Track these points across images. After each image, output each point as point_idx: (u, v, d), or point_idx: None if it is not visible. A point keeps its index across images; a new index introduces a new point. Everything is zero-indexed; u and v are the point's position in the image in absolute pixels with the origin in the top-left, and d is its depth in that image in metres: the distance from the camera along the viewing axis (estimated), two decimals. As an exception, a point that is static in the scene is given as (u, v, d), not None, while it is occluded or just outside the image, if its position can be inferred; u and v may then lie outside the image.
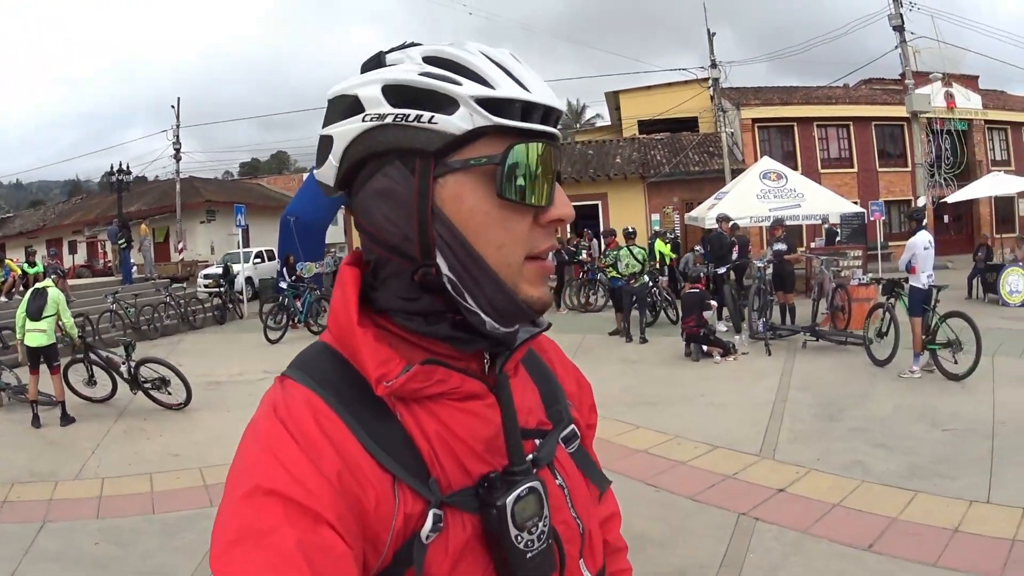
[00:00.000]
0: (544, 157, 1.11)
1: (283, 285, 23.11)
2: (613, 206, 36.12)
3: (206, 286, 29.98)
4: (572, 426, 1.37)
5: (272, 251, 34.67)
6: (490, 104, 1.07)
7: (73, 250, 49.27)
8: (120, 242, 29.43)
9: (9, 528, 7.94)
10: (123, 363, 13.00)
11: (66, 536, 7.68)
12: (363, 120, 1.10)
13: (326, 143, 1.16)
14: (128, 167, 33.09)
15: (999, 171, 31.28)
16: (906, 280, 12.45)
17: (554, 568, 1.17)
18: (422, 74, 1.08)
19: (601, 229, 25.71)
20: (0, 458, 10.45)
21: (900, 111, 31.91)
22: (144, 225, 34.84)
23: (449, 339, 1.17)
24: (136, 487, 9.09)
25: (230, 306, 27.38)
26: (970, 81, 36.24)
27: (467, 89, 1.06)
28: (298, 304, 22.17)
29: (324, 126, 1.17)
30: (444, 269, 1.11)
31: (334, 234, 38.18)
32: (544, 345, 1.48)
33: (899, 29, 26.32)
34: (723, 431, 9.91)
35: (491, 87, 1.08)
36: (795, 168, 29.93)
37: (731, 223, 19.06)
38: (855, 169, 36.55)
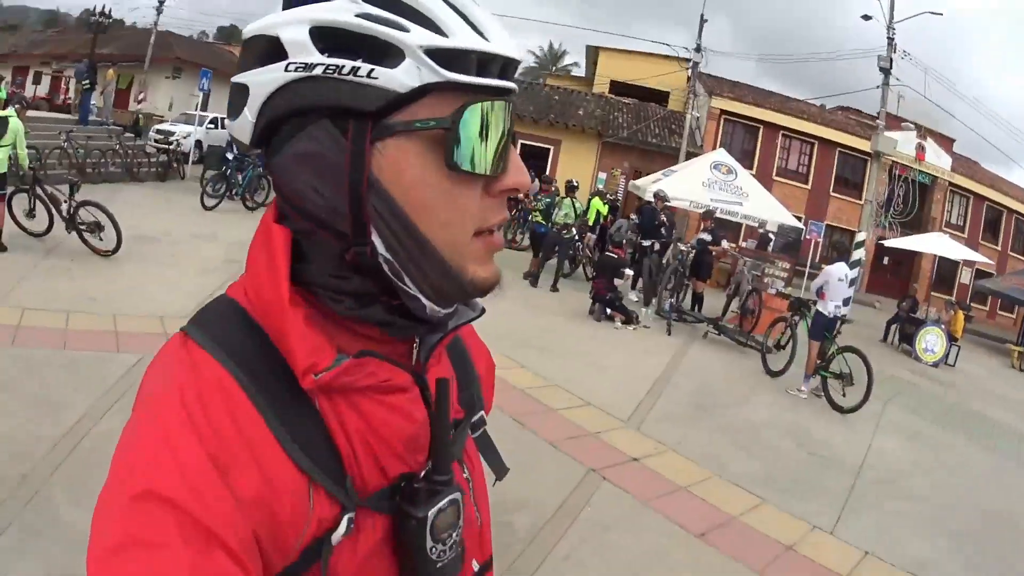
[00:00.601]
0: (500, 117, 0.96)
1: (229, 156, 22.95)
2: (565, 155, 35.97)
3: (156, 141, 29.86)
4: (481, 412, 1.30)
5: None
6: (442, 56, 0.91)
7: (37, 81, 48.23)
8: (84, 83, 29.00)
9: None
10: (65, 201, 12.97)
11: (-21, 357, 7.82)
12: (286, 69, 0.93)
13: (240, 92, 0.99)
14: (109, 12, 33.73)
15: (948, 233, 31.79)
16: (815, 303, 12.63)
17: (458, 574, 1.09)
18: (360, 15, 0.91)
19: (545, 174, 25.59)
20: (-72, 276, 10.40)
21: (867, 146, 31.91)
22: (111, 71, 34.01)
23: (382, 324, 1.04)
24: (52, 322, 9.15)
25: (174, 165, 26.83)
26: (946, 142, 36.49)
27: (415, 37, 0.90)
28: (239, 177, 22.16)
29: (239, 70, 1.00)
30: (380, 248, 0.97)
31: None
32: None
33: (885, 72, 26.35)
34: (600, 392, 9.96)
35: (444, 35, 0.91)
36: (750, 168, 30.13)
37: (664, 201, 19.04)
38: (808, 186, 36.93)
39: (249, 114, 0.97)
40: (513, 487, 6.47)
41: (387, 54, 0.90)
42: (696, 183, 22.50)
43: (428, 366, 1.12)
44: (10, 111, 12.61)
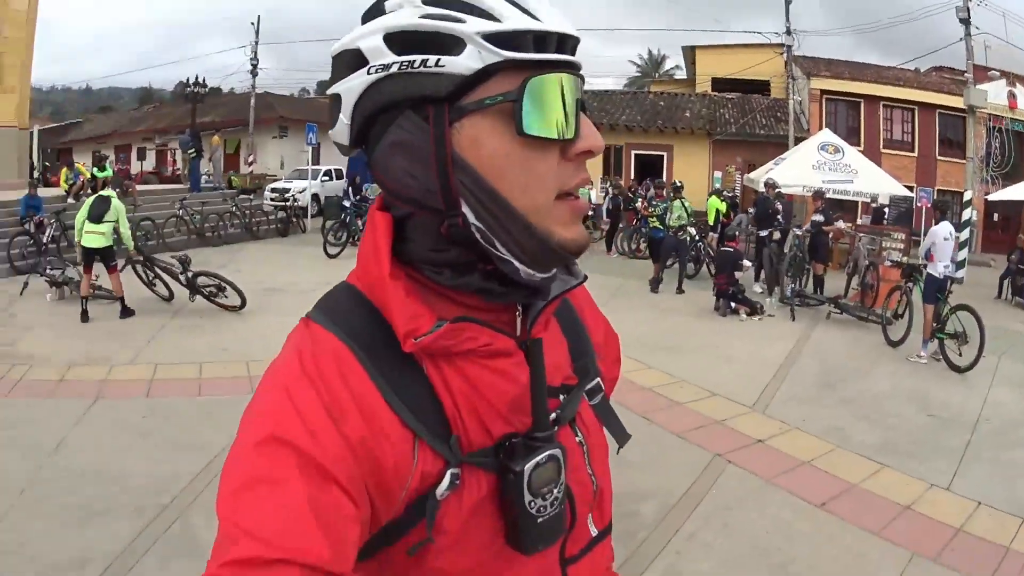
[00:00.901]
0: (564, 87, 1.04)
1: (347, 204, 23.24)
2: (678, 159, 35.71)
3: (272, 199, 30.37)
4: (597, 379, 1.33)
5: (340, 170, 34.85)
6: (499, 39, 0.99)
7: (142, 157, 49.32)
8: (190, 151, 29.56)
9: (63, 402, 8.57)
10: (180, 273, 13.38)
11: (115, 410, 8.30)
12: (368, 73, 1.04)
13: (335, 101, 1.10)
14: (204, 80, 34.25)
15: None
16: (925, 267, 12.50)
17: (562, 531, 1.16)
18: (423, 16, 1.01)
19: (659, 179, 25.68)
20: (60, 344, 11.03)
21: (963, 103, 31.05)
22: (216, 136, 34.39)
23: (481, 291, 1.11)
24: (185, 373, 9.68)
25: (294, 220, 27.36)
26: (1031, 85, 35.09)
27: (471, 26, 0.99)
28: (359, 223, 21.85)
29: (331, 84, 1.12)
30: (471, 218, 1.04)
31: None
32: (575, 291, 1.30)
33: (965, 22, 25.55)
34: (726, 381, 10.22)
35: (497, 20, 1.00)
36: (858, 144, 29.55)
37: (775, 189, 18.69)
38: (915, 154, 35.60)
39: (344, 118, 1.09)
40: (640, 478, 6.88)
41: (450, 45, 0.99)
42: (806, 167, 22.32)
43: (533, 332, 1.16)
44: (111, 192, 13.11)
